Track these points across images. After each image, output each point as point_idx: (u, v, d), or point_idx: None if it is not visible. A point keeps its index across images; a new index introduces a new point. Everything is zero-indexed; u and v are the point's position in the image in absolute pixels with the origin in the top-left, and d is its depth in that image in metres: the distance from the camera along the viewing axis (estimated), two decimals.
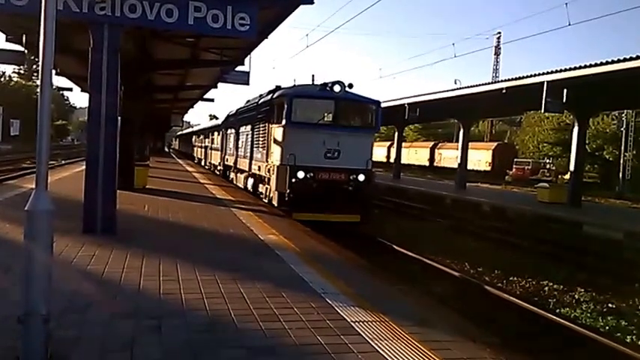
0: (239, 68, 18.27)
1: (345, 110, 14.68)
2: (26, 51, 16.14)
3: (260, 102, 17.26)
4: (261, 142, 16.26)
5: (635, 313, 9.20)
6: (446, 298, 8.67)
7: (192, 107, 42.34)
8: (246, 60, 17.41)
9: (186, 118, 62.33)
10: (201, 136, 41.33)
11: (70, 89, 31.72)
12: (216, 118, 42.11)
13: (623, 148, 39.26)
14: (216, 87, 23.85)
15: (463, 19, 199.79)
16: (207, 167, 34.30)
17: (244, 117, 19.80)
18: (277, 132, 14.42)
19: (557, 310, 9.09)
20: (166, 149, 65.41)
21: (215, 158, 29.98)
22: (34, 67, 78.90)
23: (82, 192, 8.73)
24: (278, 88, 16.11)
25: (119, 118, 9.14)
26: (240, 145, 20.44)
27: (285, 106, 13.94)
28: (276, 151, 14.40)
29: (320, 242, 9.83)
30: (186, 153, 54.32)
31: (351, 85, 14.19)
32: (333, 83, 14.02)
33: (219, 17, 8.75)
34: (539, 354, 6.57)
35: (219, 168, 27.70)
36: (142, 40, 14.08)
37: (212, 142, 32.67)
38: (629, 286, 10.91)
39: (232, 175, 22.76)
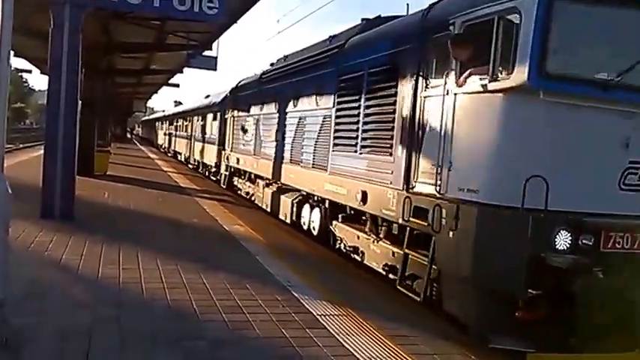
0: (206, 53, 17.97)
1: None
2: None
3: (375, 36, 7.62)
4: (374, 131, 6.93)
5: None
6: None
7: (157, 92, 41.60)
8: (214, 44, 17.18)
9: (149, 104, 60.95)
10: (177, 122, 30.73)
11: (30, 71, 30.57)
12: (182, 104, 39.60)
13: None
14: (182, 72, 23.47)
15: None
16: (193, 166, 24.03)
17: (287, 84, 10.51)
18: (477, 105, 5.07)
19: None
20: (128, 135, 63.96)
21: (206, 155, 20.05)
22: None
23: (41, 176, 8.46)
24: (379, 17, 8.20)
25: (79, 101, 8.88)
26: (273, 138, 11.13)
27: (533, 25, 4.49)
28: (461, 159, 5.16)
29: (288, 235, 9.74)
30: (150, 140, 52.17)
31: None
32: None
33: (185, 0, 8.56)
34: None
35: (217, 171, 17.78)
36: (104, 22, 13.68)
37: (202, 132, 21.58)
38: None
39: (251, 188, 13.49)
